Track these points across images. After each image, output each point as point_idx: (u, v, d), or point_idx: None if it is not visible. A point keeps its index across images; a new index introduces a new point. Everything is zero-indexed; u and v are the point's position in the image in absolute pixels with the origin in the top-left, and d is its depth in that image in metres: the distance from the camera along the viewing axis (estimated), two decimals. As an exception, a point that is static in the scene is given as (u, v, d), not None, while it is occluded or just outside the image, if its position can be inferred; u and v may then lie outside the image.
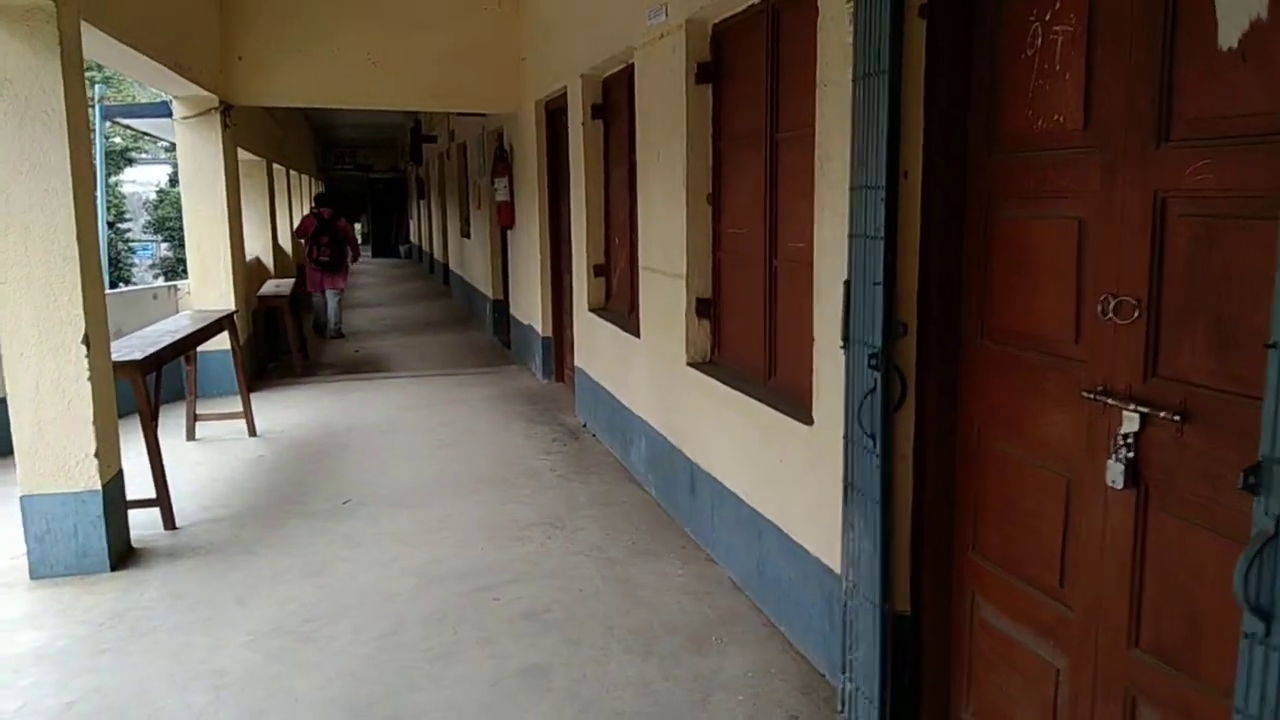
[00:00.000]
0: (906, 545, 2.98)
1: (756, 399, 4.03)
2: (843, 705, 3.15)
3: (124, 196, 37.95)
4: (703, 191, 4.72)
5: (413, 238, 28.62)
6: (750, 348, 4.39)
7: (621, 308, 6.53)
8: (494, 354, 10.93)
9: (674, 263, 4.93)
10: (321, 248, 11.98)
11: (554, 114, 8.30)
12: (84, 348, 4.43)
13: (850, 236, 2.92)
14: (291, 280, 11.35)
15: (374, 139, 27.35)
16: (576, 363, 7.40)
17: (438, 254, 20.12)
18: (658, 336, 5.28)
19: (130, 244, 38.27)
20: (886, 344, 2.81)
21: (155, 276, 33.72)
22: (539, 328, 8.92)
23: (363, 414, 7.79)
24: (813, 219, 3.49)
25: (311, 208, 12.80)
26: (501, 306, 11.77)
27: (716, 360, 4.79)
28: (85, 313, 4.43)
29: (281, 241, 15.92)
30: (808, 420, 3.50)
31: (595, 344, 6.80)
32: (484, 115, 11.03)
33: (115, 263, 35.79)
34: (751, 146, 4.27)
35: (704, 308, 4.79)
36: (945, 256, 2.83)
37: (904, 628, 2.98)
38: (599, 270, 6.92)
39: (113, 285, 35.18)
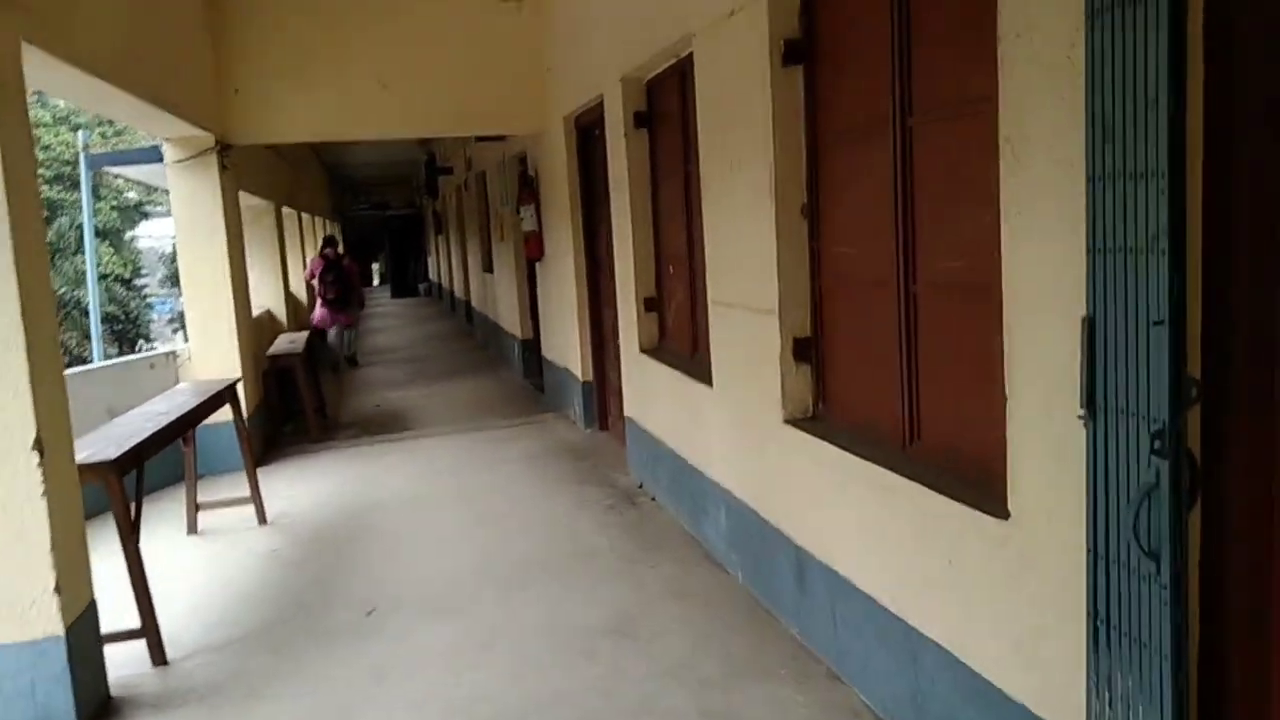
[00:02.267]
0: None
1: (896, 471, 3.03)
2: None
3: (139, 252, 37.61)
4: (795, 202, 3.73)
5: (431, 275, 27.82)
6: (876, 401, 3.38)
7: (680, 348, 5.54)
8: (527, 400, 9.96)
9: (758, 294, 3.95)
10: (328, 285, 12.72)
11: (586, 129, 7.36)
12: (36, 455, 3.50)
13: (1093, 251, 1.92)
14: (305, 334, 10.46)
15: (389, 176, 26.66)
16: (627, 412, 6.42)
17: (458, 291, 19.25)
18: (738, 386, 4.28)
19: (148, 300, 37.89)
20: (1175, 415, 1.80)
21: (175, 331, 33.16)
22: (577, 371, 7.95)
23: (388, 484, 6.83)
24: (986, 228, 2.51)
25: (320, 249, 13.38)
26: (531, 346, 10.83)
27: (823, 416, 3.79)
28: (36, 410, 3.49)
29: (295, 289, 15.13)
30: (998, 511, 2.49)
31: (650, 391, 5.82)
32: (504, 139, 10.14)
33: (134, 320, 35.41)
34: (868, 139, 3.29)
35: (803, 349, 3.80)
36: (1252, 277, 1.82)
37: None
38: (650, 304, 5.95)
39: (132, 345, 34.88)
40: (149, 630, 4.15)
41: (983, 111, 2.56)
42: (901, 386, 3.16)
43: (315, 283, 12.94)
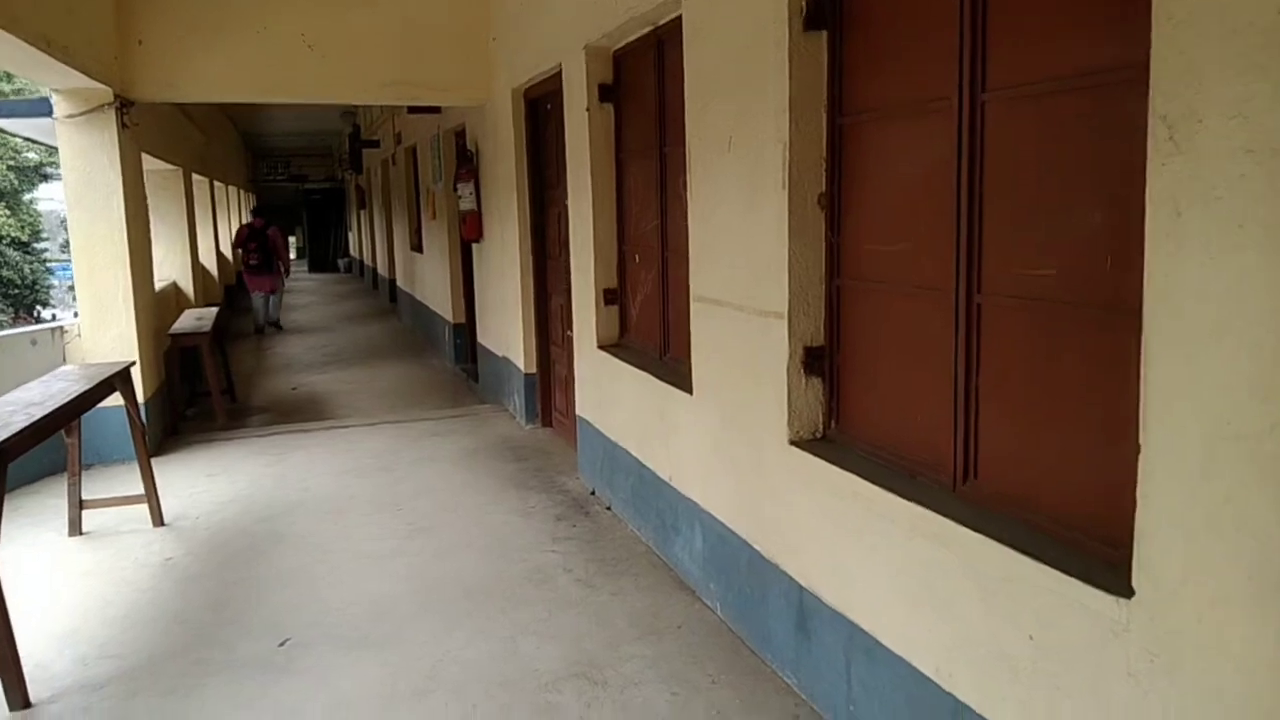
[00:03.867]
0: None
1: (947, 515, 2.51)
2: None
3: (39, 214, 35.45)
4: (811, 191, 3.19)
5: (353, 251, 26.62)
6: (913, 428, 2.86)
7: (647, 347, 4.97)
8: (459, 390, 9.27)
9: (760, 293, 3.40)
10: (250, 253, 13.48)
11: (536, 103, 6.72)
12: None
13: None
14: (214, 310, 9.58)
15: (310, 147, 25.43)
16: (580, 411, 5.82)
17: (382, 269, 18.32)
18: (727, 396, 3.73)
19: (48, 265, 35.76)
20: None
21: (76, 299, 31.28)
22: (519, 362, 7.32)
23: (306, 482, 6.10)
24: (1099, 230, 2.02)
25: (251, 218, 14.01)
26: (464, 331, 10.15)
27: (835, 438, 3.26)
28: None
29: (206, 262, 14.11)
30: (1116, 587, 1.97)
31: (609, 392, 5.24)
32: (438, 111, 9.40)
33: (31, 286, 33.31)
34: (916, 118, 2.77)
35: (814, 361, 3.26)
36: None
37: None
38: (610, 296, 5.36)
39: (30, 311, 32.79)
40: (6, 665, 3.41)
41: (1104, 84, 2.05)
42: (955, 414, 2.64)
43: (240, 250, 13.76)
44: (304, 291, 21.58)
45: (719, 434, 3.84)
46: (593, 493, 5.61)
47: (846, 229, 3.16)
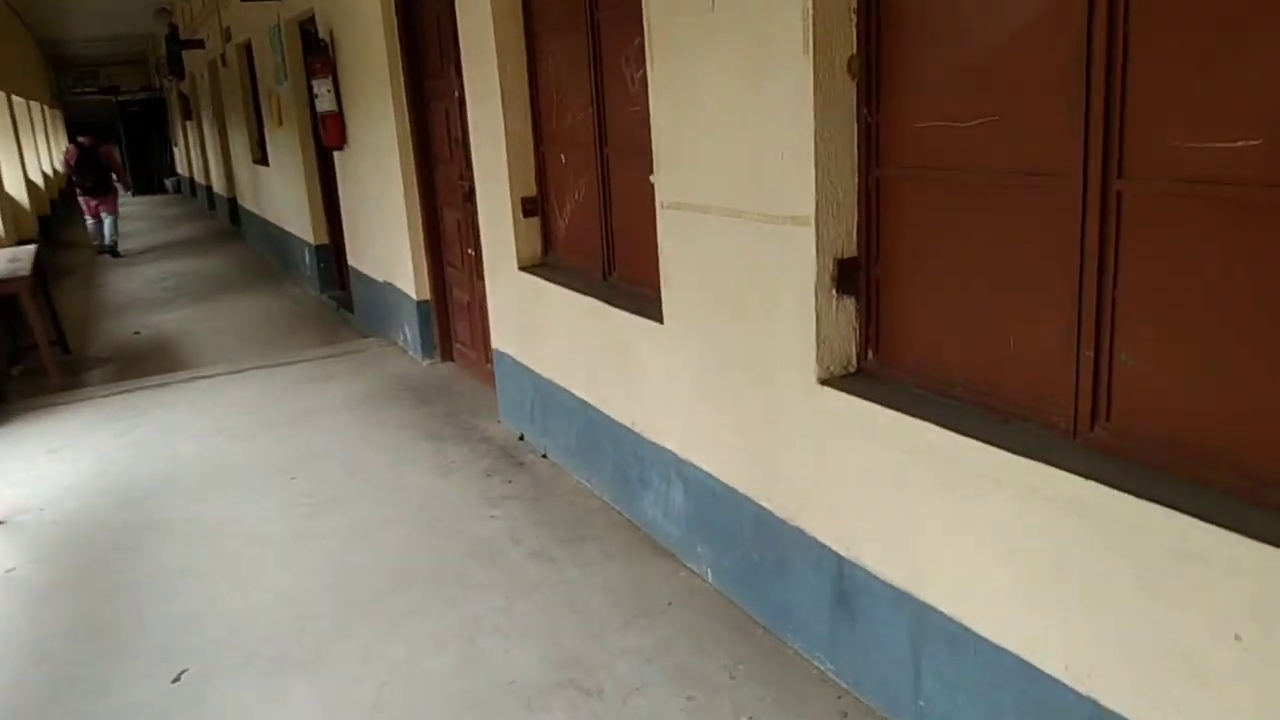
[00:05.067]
0: None
1: (1090, 477, 1.91)
2: None
3: None
4: (839, 53, 2.46)
5: (180, 169, 24.19)
6: (1006, 357, 2.23)
7: (585, 266, 4.19)
8: (332, 322, 8.24)
9: (769, 195, 2.68)
10: (84, 174, 12.96)
11: (409, -26, 5.67)
12: None
13: None
14: (32, 248, 8.16)
15: (120, 53, 22.79)
16: (497, 344, 5.02)
17: (218, 187, 16.55)
18: (721, 326, 3.03)
19: None
20: None
21: None
22: (408, 288, 6.39)
23: (170, 451, 5.11)
24: None
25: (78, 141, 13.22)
26: (329, 254, 9.05)
27: (879, 373, 2.61)
28: None
29: (14, 191, 12.28)
30: None
31: (538, 320, 4.45)
32: (279, -1, 8.11)
33: None
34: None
35: (847, 276, 2.58)
36: None
37: None
38: (530, 207, 4.52)
39: None
40: None
41: None
42: (1079, 338, 2.02)
43: (71, 173, 13.28)
44: (133, 218, 19.37)
45: (706, 372, 3.14)
46: (521, 438, 4.86)
47: (889, 103, 2.45)
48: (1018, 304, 2.18)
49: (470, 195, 5.31)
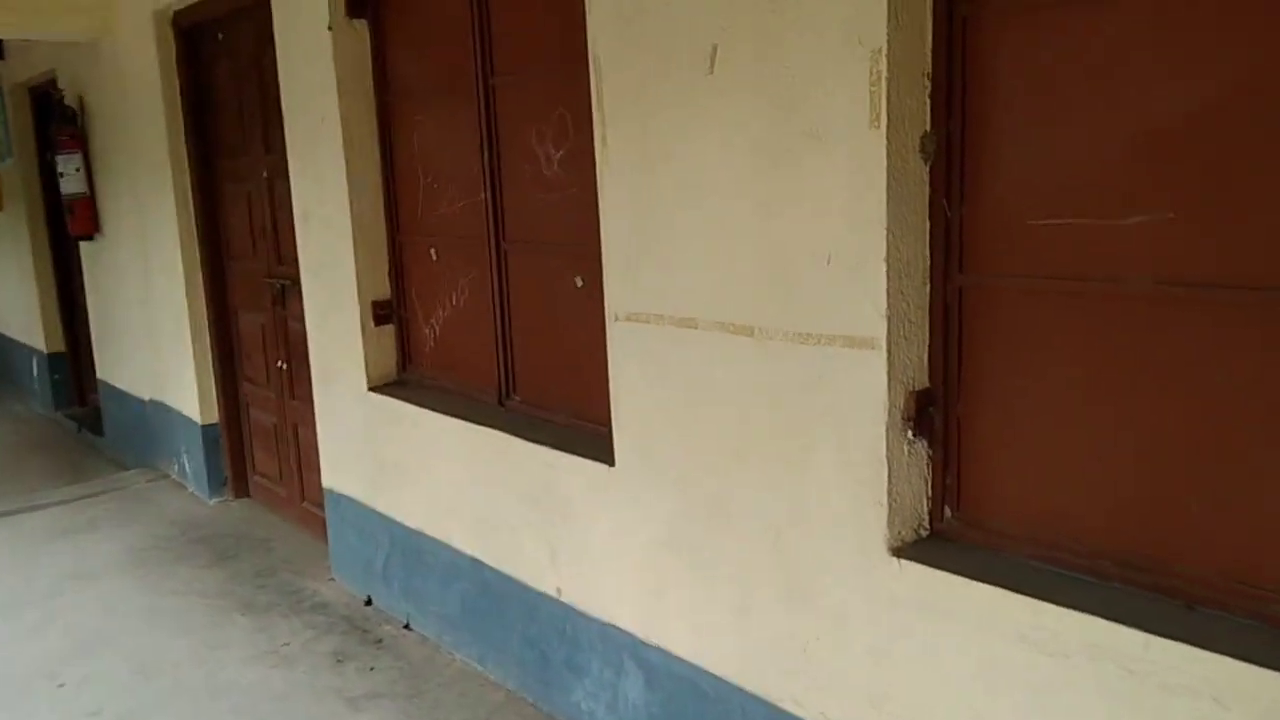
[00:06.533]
0: None
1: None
2: None
3: None
4: (910, 126, 1.89)
5: None
6: (1174, 523, 1.69)
7: (467, 385, 3.35)
8: (75, 449, 6.69)
9: (801, 309, 2.04)
10: None
11: (198, 33, 4.67)
12: None
13: None
14: None
15: None
16: (331, 483, 4.01)
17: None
18: (719, 476, 2.32)
19: None
20: None
21: None
22: (187, 408, 5.20)
23: None
24: None
25: None
26: (66, 364, 7.51)
27: (966, 536, 2.00)
28: None
29: None
30: None
31: (397, 453, 3.54)
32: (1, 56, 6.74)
33: None
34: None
35: (922, 413, 1.98)
36: None
37: None
38: (383, 312, 3.63)
39: None
40: None
41: None
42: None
43: None
44: None
45: (690, 533, 2.41)
46: (368, 602, 3.86)
47: (980, 193, 1.90)
48: (1190, 453, 1.65)
49: (282, 296, 4.35)
